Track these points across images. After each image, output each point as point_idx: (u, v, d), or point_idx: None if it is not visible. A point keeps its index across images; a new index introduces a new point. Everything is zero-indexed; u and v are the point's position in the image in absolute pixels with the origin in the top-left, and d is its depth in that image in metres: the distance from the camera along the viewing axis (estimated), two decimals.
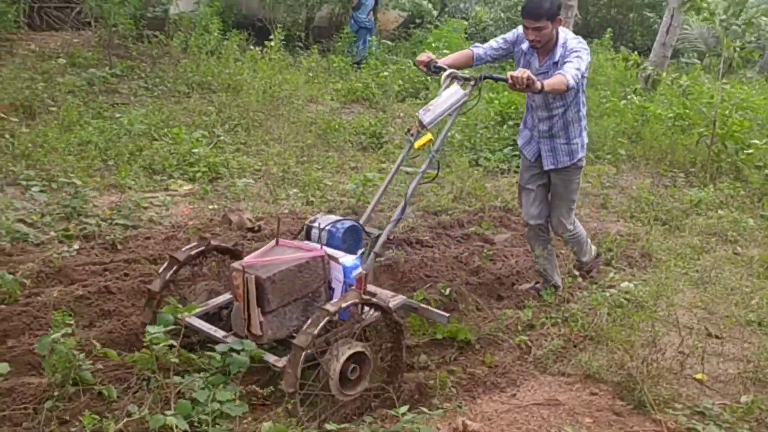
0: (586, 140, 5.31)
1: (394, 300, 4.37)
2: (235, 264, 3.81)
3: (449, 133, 4.84)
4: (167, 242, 5.76)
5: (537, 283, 5.68)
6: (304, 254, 3.90)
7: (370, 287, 4.15)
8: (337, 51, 14.87)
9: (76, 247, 5.45)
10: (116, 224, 5.95)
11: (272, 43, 12.49)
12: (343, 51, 14.90)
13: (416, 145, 4.40)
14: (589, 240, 5.87)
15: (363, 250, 4.25)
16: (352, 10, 15.61)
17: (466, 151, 9.23)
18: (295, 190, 7.29)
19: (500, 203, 7.69)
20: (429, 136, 4.39)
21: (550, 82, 4.63)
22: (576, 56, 4.74)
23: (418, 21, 18.82)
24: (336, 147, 9.14)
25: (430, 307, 4.58)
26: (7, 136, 7.41)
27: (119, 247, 5.60)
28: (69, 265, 5.09)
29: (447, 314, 4.46)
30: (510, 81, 4.40)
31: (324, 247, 4.06)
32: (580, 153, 5.23)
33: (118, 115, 8.73)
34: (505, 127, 9.72)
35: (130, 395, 3.56)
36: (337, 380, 3.58)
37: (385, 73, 12.95)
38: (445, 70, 4.68)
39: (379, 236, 4.27)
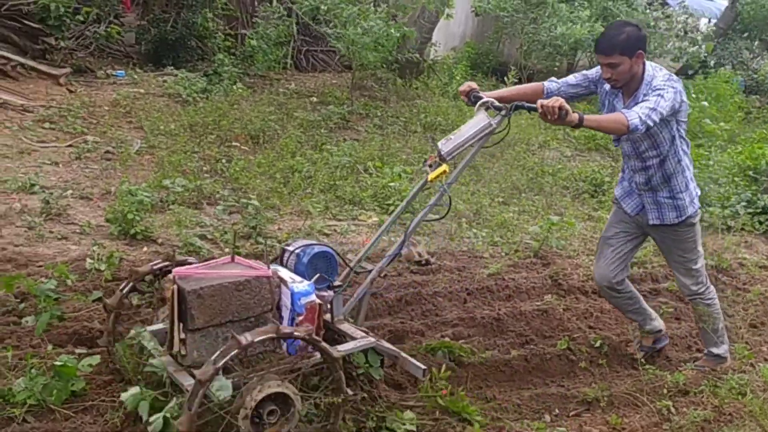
0: (696, 192, 4.61)
1: (356, 343, 3.77)
2: (171, 274, 3.49)
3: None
4: None
5: (639, 344, 5.11)
6: (247, 272, 3.52)
7: (348, 326, 3.87)
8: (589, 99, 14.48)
9: None
10: None
11: None
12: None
13: (430, 177, 3.96)
14: (724, 329, 4.97)
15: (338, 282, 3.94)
16: None
17: None
18: (483, 231, 7.19)
19: (713, 262, 7.00)
20: (445, 167, 3.93)
21: (600, 119, 4.09)
22: (656, 95, 4.09)
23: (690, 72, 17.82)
24: (547, 192, 8.88)
25: (406, 357, 3.89)
26: (224, 161, 8.07)
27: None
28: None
29: (424, 367, 3.79)
30: (540, 110, 3.85)
31: (280, 270, 3.76)
32: (689, 209, 4.53)
33: (329, 147, 9.16)
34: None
35: None
36: (246, 425, 3.11)
37: None
38: (482, 99, 4.18)
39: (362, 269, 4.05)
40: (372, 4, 13.89)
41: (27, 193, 6.57)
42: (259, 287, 3.47)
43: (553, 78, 4.67)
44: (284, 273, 3.75)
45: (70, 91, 10.31)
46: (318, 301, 3.61)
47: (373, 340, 3.80)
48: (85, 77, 11.21)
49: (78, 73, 11.28)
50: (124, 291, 3.79)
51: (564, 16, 15.56)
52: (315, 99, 12.13)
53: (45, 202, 6.22)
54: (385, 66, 12.96)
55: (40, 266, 5.18)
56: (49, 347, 4.09)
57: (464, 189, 8.41)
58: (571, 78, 4.60)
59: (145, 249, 5.83)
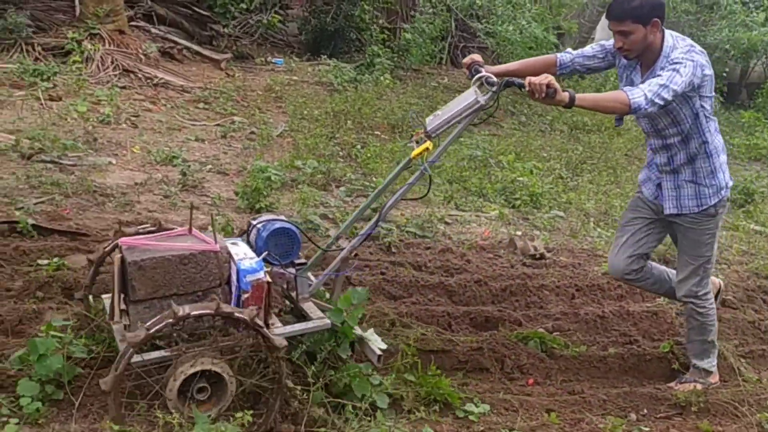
0: (726, 183, 4.14)
1: (306, 324, 3.58)
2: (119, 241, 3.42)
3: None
4: (441, 254, 6.00)
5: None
6: (194, 246, 3.38)
7: (312, 305, 3.69)
8: (759, 107, 13.78)
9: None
10: (406, 231, 6.35)
11: None
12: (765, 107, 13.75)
13: (413, 154, 3.72)
14: (716, 342, 4.52)
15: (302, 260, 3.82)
16: None
17: None
18: (608, 231, 7.03)
19: None
20: (428, 144, 3.67)
21: (597, 98, 3.78)
22: (672, 69, 3.71)
23: None
24: None
25: (368, 338, 3.73)
26: (359, 147, 8.31)
27: (393, 250, 5.97)
28: (333, 255, 5.58)
29: (379, 353, 3.61)
30: (528, 88, 3.54)
31: (239, 244, 3.60)
32: (711, 198, 4.09)
33: (462, 140, 9.19)
34: None
35: None
36: (174, 398, 3.07)
37: None
38: (480, 73, 3.82)
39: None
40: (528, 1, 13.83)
41: (170, 165, 7.06)
42: (206, 261, 3.35)
43: (570, 49, 4.35)
44: (240, 248, 3.57)
45: (229, 75, 10.92)
46: (266, 279, 3.40)
47: (328, 321, 3.61)
48: (245, 63, 11.84)
49: (239, 59, 11.93)
50: (107, 248, 3.67)
51: (737, 19, 14.83)
52: None
53: (182, 174, 6.67)
54: None
55: None
56: None
57: (595, 188, 8.24)
58: (588, 49, 4.24)
59: None
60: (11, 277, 4.55)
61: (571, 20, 15.28)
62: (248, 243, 3.76)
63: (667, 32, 3.92)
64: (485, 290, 5.36)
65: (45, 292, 4.43)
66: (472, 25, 14.46)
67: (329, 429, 3.41)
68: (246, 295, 3.36)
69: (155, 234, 3.56)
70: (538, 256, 6.21)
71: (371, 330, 3.85)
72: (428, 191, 4.10)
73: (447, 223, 6.79)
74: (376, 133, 9.23)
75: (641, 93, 3.60)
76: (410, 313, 4.75)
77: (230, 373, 3.16)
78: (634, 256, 4.32)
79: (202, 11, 12.29)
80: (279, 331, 3.45)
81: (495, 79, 3.74)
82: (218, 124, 8.72)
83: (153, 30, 11.41)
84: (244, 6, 12.09)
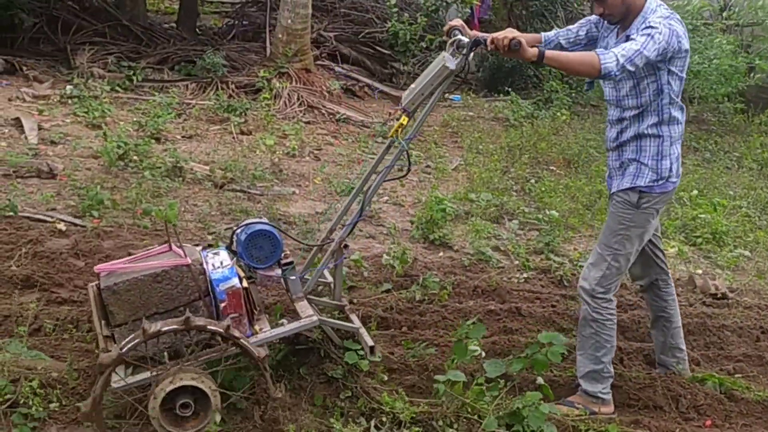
0: (669, 172, 3.87)
1: (290, 326, 3.53)
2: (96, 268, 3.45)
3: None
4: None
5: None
6: (165, 263, 3.35)
7: (304, 305, 3.64)
8: None
9: (526, 275, 5.97)
10: (579, 265, 6.28)
11: None
12: None
13: (390, 132, 3.63)
14: (610, 364, 4.10)
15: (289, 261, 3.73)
16: None
17: None
18: None
19: None
20: (404, 120, 3.54)
21: (568, 57, 3.58)
22: (646, 34, 3.54)
23: None
24: None
25: (363, 332, 3.76)
26: (532, 181, 8.31)
27: (566, 283, 5.93)
28: (505, 287, 5.62)
29: (371, 344, 3.62)
30: (491, 44, 3.46)
31: (220, 254, 3.56)
32: (645, 179, 3.83)
33: None
34: None
35: None
36: (158, 417, 3.07)
37: None
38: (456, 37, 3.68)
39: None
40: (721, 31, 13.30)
41: (348, 196, 7.35)
42: (180, 276, 3.32)
43: (555, 29, 4.23)
44: (218, 258, 3.54)
45: None
46: (240, 285, 3.38)
47: (315, 319, 3.56)
48: None
49: None
50: None
51: None
52: None
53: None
54: (728, 98, 12.34)
55: None
56: None
57: None
58: (573, 25, 4.15)
59: (441, 254, 6.26)
60: None
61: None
62: (232, 251, 3.72)
63: None
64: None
65: None
66: None
67: None
68: (223, 304, 3.35)
69: (134, 256, 3.53)
70: (719, 295, 5.96)
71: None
72: (408, 169, 3.92)
73: None
74: (551, 167, 9.19)
75: (613, 57, 3.47)
76: None
77: (212, 387, 3.14)
78: (640, 260, 4.23)
79: (383, 50, 12.78)
80: (262, 336, 3.45)
81: (464, 41, 3.65)
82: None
83: (337, 68, 11.98)
84: (424, 45, 12.43)
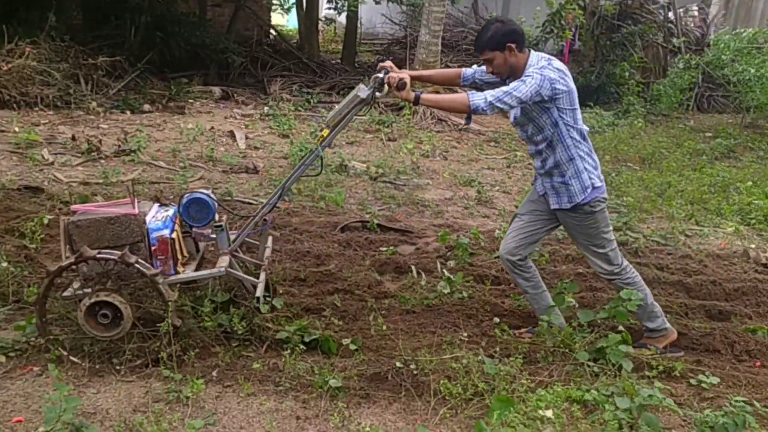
0: (592, 183, 3.58)
1: (199, 272, 3.49)
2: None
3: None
4: (681, 259, 5.64)
5: (534, 327, 3.97)
6: (119, 210, 3.36)
7: (224, 259, 3.49)
8: None
9: None
10: (651, 239, 6.06)
11: None
12: None
13: (317, 140, 3.54)
14: (653, 303, 3.91)
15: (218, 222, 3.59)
16: None
17: None
18: None
19: None
20: (325, 132, 3.52)
21: (440, 98, 3.38)
22: (520, 81, 3.32)
23: None
24: None
25: (259, 284, 3.57)
26: (613, 174, 8.03)
27: (639, 254, 5.72)
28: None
29: (258, 295, 3.50)
30: (387, 81, 3.34)
31: (168, 210, 3.52)
32: (579, 196, 3.57)
33: (705, 169, 8.47)
34: None
35: None
36: (82, 320, 3.17)
37: None
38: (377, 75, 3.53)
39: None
40: None
41: (469, 186, 7.38)
42: (128, 222, 3.33)
43: (475, 66, 3.82)
44: (161, 214, 3.51)
45: None
46: (169, 235, 3.37)
47: (222, 269, 3.44)
48: None
49: None
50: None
51: None
52: (708, 134, 11.22)
53: (478, 192, 6.95)
54: None
55: (459, 231, 5.85)
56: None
57: None
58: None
59: None
60: (363, 258, 5.10)
61: None
62: (179, 212, 3.63)
63: (534, 53, 3.52)
64: (719, 289, 4.96)
65: (383, 269, 4.93)
66: (717, 75, 13.24)
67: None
68: (154, 248, 3.35)
69: (104, 203, 3.62)
70: None
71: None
72: (321, 169, 3.85)
73: (687, 236, 6.34)
74: (629, 164, 8.84)
75: (482, 96, 3.29)
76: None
77: (122, 302, 3.19)
78: (525, 242, 3.85)
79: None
80: (177, 277, 3.43)
81: (380, 76, 3.50)
82: (505, 158, 8.91)
83: (459, 90, 11.91)
84: None
